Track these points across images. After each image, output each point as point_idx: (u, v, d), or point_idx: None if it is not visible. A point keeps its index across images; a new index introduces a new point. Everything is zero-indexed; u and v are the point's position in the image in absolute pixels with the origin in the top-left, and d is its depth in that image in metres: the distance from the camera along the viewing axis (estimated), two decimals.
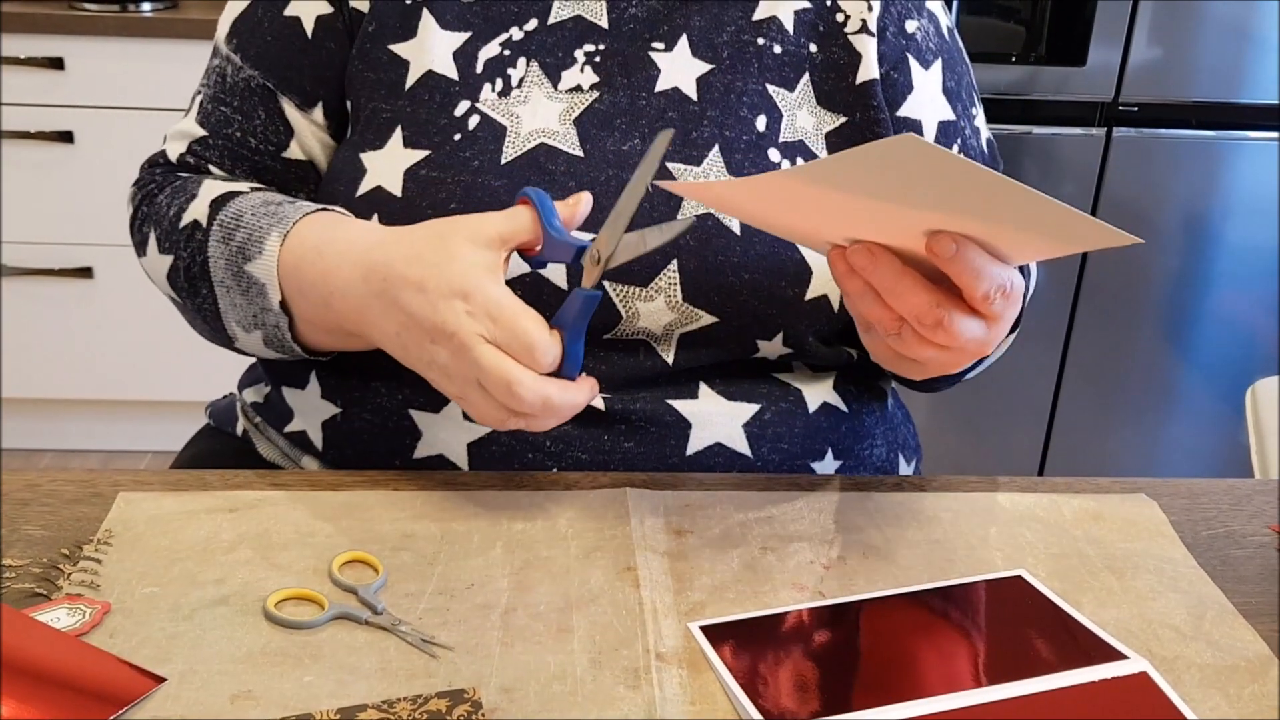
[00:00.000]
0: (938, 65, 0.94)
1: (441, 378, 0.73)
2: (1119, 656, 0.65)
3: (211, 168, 0.92)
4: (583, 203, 0.76)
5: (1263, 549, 0.78)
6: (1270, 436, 1.37)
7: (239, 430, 0.98)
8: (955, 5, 2.16)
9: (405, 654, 0.64)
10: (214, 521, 0.75)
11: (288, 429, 0.92)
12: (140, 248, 0.91)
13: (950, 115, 0.95)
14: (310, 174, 0.93)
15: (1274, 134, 2.23)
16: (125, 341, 2.40)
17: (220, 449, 0.98)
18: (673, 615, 0.68)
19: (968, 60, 1.00)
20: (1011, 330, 0.93)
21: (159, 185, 0.92)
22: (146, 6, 2.28)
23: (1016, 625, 0.68)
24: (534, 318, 0.71)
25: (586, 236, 0.74)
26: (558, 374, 0.72)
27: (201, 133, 0.92)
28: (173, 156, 0.93)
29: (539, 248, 0.74)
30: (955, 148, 0.95)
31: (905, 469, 1.00)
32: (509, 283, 0.75)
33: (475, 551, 0.73)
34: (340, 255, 0.78)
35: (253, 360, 0.99)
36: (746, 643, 0.66)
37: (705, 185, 0.71)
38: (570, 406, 0.72)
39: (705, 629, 0.67)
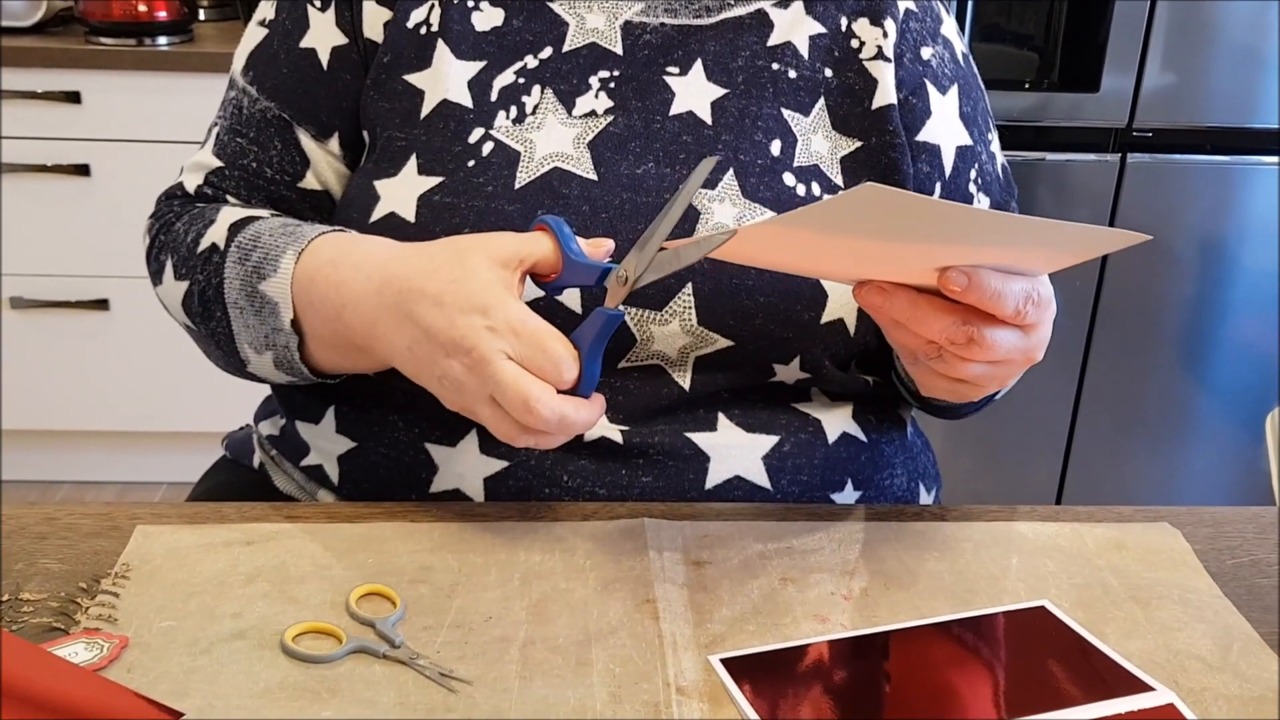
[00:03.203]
0: (954, 90, 0.94)
1: (453, 392, 0.73)
2: (1145, 688, 0.64)
3: (228, 198, 0.93)
4: (604, 247, 0.76)
5: None
6: None
7: (255, 463, 0.98)
8: (968, 32, 2.16)
9: (424, 688, 0.63)
10: (231, 555, 0.75)
11: (304, 463, 0.91)
12: (156, 276, 0.92)
13: (968, 140, 0.95)
14: (326, 203, 0.93)
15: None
16: (141, 373, 2.41)
17: (237, 481, 0.98)
18: (693, 648, 0.68)
19: (983, 86, 1.00)
20: None
21: (176, 215, 0.92)
22: (162, 40, 2.29)
23: (1041, 656, 0.67)
24: (557, 334, 0.71)
25: (606, 259, 0.74)
26: (573, 391, 0.71)
27: (218, 164, 0.93)
28: (190, 188, 0.94)
29: (556, 274, 0.74)
30: (973, 172, 0.95)
31: (926, 498, 1.00)
32: (527, 304, 0.75)
33: (493, 584, 0.73)
34: (355, 268, 0.78)
35: (269, 393, 0.99)
36: (768, 676, 0.65)
37: (707, 239, 0.69)
38: (584, 424, 0.72)
39: (726, 662, 0.66)
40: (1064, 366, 2.34)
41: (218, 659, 0.65)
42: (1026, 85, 2.18)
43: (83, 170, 2.29)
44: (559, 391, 0.71)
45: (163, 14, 2.27)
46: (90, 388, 2.45)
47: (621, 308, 0.72)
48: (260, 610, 0.69)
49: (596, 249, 0.75)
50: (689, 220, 0.84)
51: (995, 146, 0.99)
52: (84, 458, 2.55)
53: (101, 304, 2.38)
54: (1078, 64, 2.17)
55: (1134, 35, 2.13)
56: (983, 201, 0.97)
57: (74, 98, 2.25)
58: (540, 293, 0.79)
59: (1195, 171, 2.23)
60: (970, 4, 2.15)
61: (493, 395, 0.70)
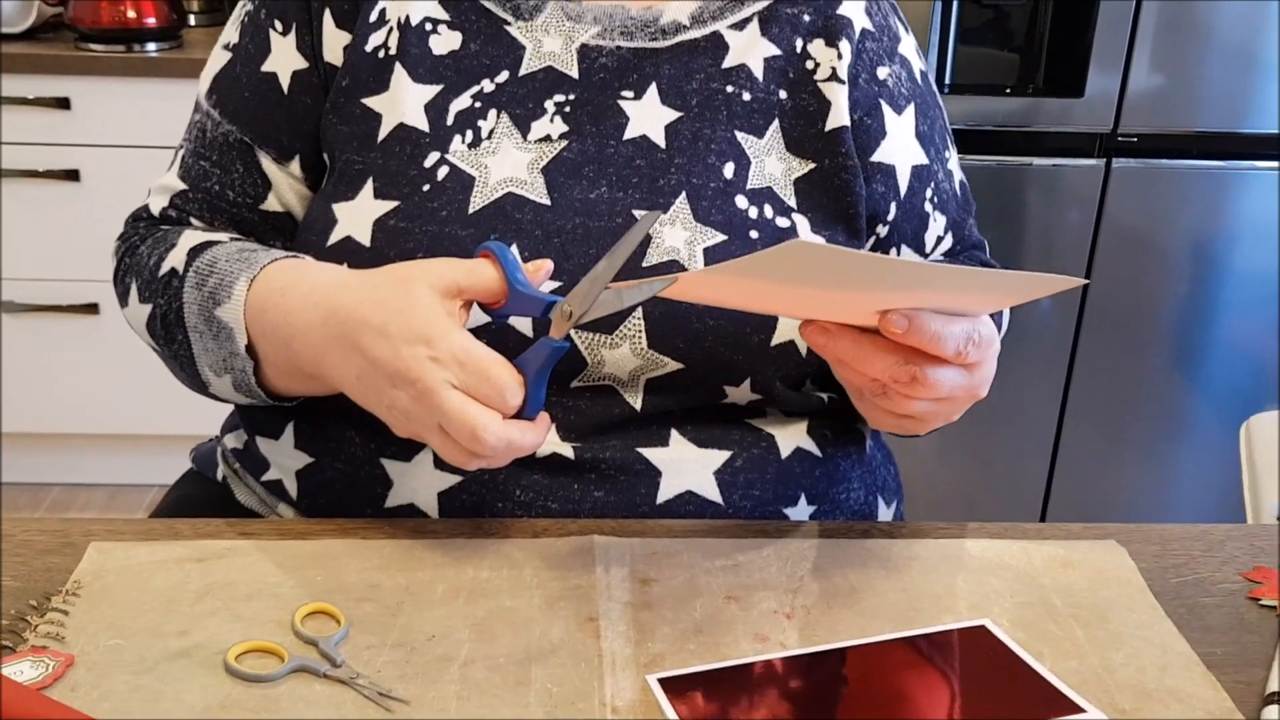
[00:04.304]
0: (910, 110, 0.95)
1: (401, 421, 0.74)
2: (1076, 709, 0.65)
3: (192, 220, 0.94)
4: (544, 269, 0.77)
5: (1231, 597, 0.78)
6: (1265, 474, 1.36)
7: (219, 476, 0.99)
8: (952, 38, 2.17)
9: (361, 708, 0.64)
10: (182, 572, 0.76)
11: (264, 478, 0.92)
12: (123, 298, 0.93)
13: (924, 159, 0.96)
14: (288, 225, 0.94)
15: (1276, 164, 2.23)
16: (132, 376, 2.42)
17: (201, 495, 0.99)
18: (632, 667, 0.68)
19: (941, 104, 1.01)
20: None
21: (141, 238, 0.94)
22: (151, 47, 2.30)
23: (976, 676, 0.68)
24: (501, 362, 0.72)
25: (551, 286, 0.75)
26: (519, 415, 0.72)
27: (182, 186, 0.94)
28: (155, 210, 0.95)
29: (502, 303, 0.75)
30: (929, 191, 0.96)
31: (885, 512, 1.00)
32: (478, 329, 0.76)
33: (439, 602, 0.74)
34: (303, 297, 0.79)
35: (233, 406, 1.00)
36: (703, 695, 0.66)
37: (649, 284, 0.70)
38: (530, 446, 0.73)
39: (663, 681, 0.67)
40: (1051, 373, 2.34)
41: (161, 678, 0.66)
42: (1007, 90, 2.18)
43: (73, 175, 2.30)
44: (507, 416, 0.72)
45: (151, 20, 2.28)
46: (81, 391, 2.46)
47: (567, 338, 0.73)
48: (207, 628, 0.70)
49: (536, 271, 0.76)
50: (641, 244, 0.84)
51: (953, 164, 1.00)
52: (75, 460, 2.57)
53: (91, 308, 2.39)
54: (1062, 69, 2.18)
55: (1118, 40, 2.13)
56: (939, 220, 0.98)
57: (64, 104, 2.26)
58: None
59: (1181, 176, 2.23)
60: (955, 10, 2.16)
61: (440, 424, 0.72)
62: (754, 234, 0.87)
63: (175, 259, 0.88)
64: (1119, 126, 2.19)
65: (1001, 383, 2.48)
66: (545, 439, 0.74)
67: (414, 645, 0.69)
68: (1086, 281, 0.70)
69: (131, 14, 2.25)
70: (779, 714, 0.64)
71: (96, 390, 2.46)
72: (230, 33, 0.95)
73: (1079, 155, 2.22)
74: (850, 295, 0.67)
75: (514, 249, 0.83)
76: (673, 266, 0.84)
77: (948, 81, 2.20)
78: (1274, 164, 2.23)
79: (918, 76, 0.97)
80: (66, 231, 2.35)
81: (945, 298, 0.68)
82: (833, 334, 0.72)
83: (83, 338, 2.42)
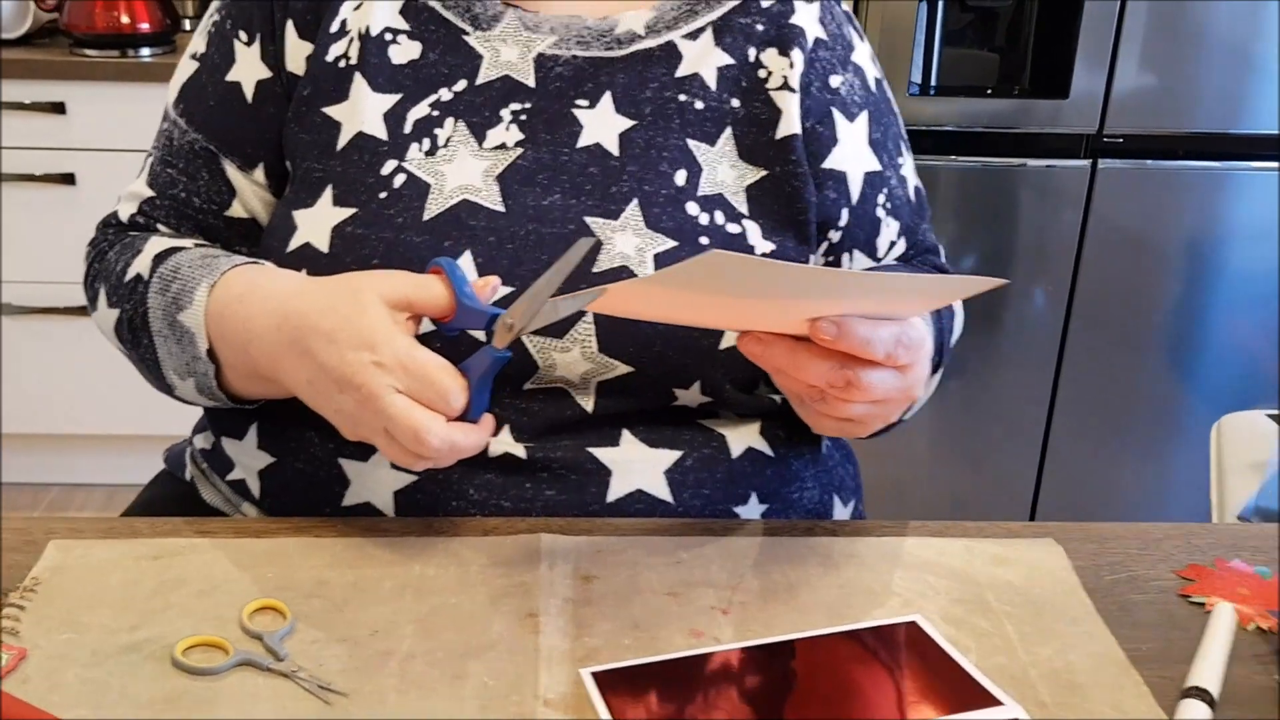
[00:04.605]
0: (863, 118, 0.97)
1: (349, 424, 0.76)
2: (994, 703, 0.67)
3: (160, 226, 0.96)
4: (491, 285, 0.79)
5: (1163, 594, 0.80)
6: (1232, 474, 1.38)
7: (188, 476, 1.01)
8: (938, 40, 2.18)
9: (300, 700, 0.67)
10: (138, 569, 0.78)
11: (229, 477, 0.95)
12: (92, 303, 0.95)
13: (876, 166, 0.97)
14: (254, 231, 0.96)
15: (1269, 164, 2.23)
16: (129, 377, 2.43)
17: (170, 494, 1.02)
18: (567, 662, 0.71)
19: (896, 111, 1.03)
20: (934, 370, 0.95)
21: (110, 244, 0.96)
22: (145, 52, 2.33)
23: (901, 671, 0.70)
24: (445, 367, 0.74)
25: (505, 291, 0.77)
26: (463, 417, 0.75)
27: (150, 193, 0.96)
28: (124, 217, 0.97)
29: (450, 318, 0.77)
30: (881, 197, 0.98)
31: (841, 511, 1.02)
32: (429, 334, 0.78)
33: (385, 598, 0.76)
34: (260, 303, 0.81)
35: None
36: (634, 689, 0.68)
37: (581, 295, 0.73)
38: (473, 448, 0.76)
39: (596, 675, 0.69)
40: (1040, 373, 2.36)
41: (109, 671, 0.68)
42: (988, 91, 2.20)
43: (68, 179, 2.33)
44: (450, 418, 0.74)
45: (145, 25, 2.31)
46: (79, 392, 2.49)
47: (510, 348, 0.75)
48: (157, 624, 0.72)
49: (484, 287, 0.78)
50: (593, 249, 0.86)
51: (907, 170, 1.02)
52: (73, 461, 2.60)
53: (87, 310, 2.42)
54: (1048, 70, 2.19)
55: (1103, 41, 2.15)
56: (892, 225, 0.99)
57: (59, 108, 2.29)
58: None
59: (1167, 177, 2.24)
60: (940, 12, 2.17)
61: (385, 428, 0.74)
62: (704, 240, 0.89)
63: (141, 265, 0.90)
64: (1104, 127, 2.21)
65: (991, 383, 2.50)
66: (488, 440, 0.77)
67: (357, 640, 0.72)
68: (1007, 281, 0.72)
69: (126, 19, 2.28)
70: (706, 707, 0.66)
71: (94, 391, 2.48)
72: (198, 42, 0.98)
73: (1065, 156, 2.23)
74: (778, 304, 0.69)
75: (467, 256, 0.85)
76: (623, 273, 0.86)
77: (933, 84, 2.22)
78: (1266, 164, 2.24)
79: (871, 84, 0.99)
80: (63, 234, 2.38)
81: (871, 303, 0.70)
82: (768, 344, 0.74)
83: (79, 339, 2.45)
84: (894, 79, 2.17)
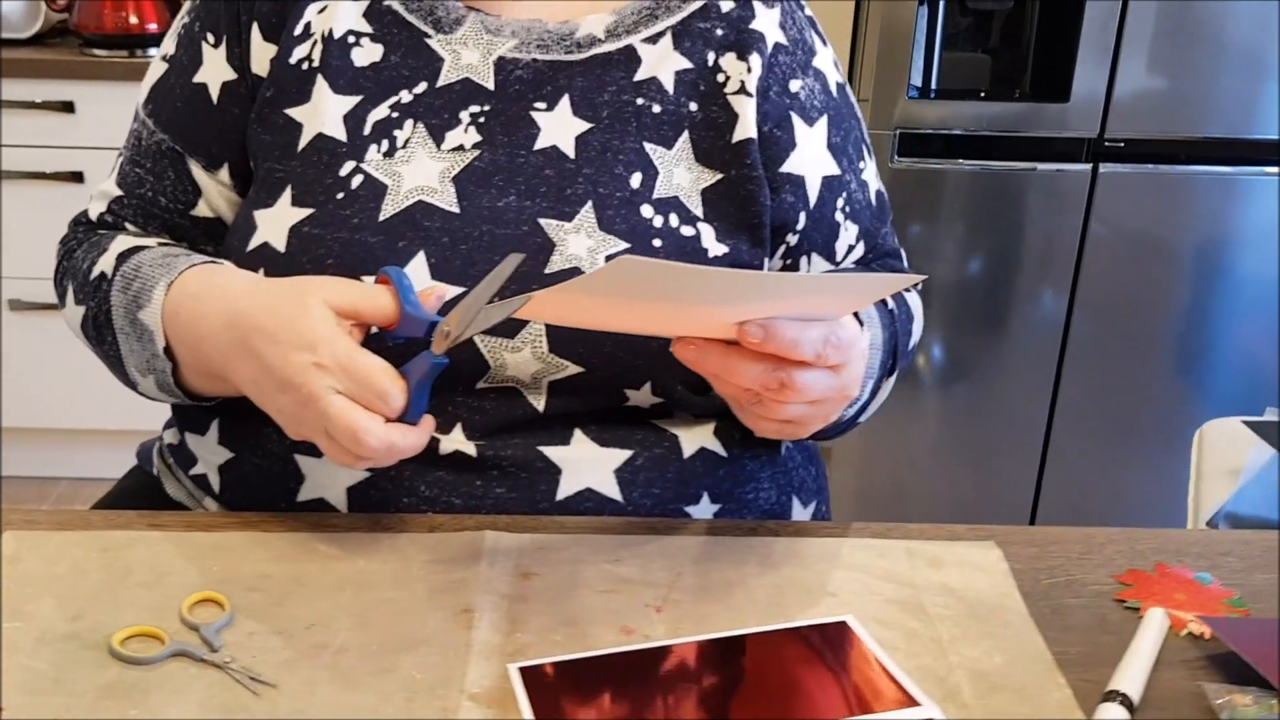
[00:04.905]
0: (823, 122, 0.98)
1: (292, 424, 0.78)
2: (912, 703, 0.68)
3: (127, 225, 0.98)
4: (436, 295, 0.80)
5: (1098, 598, 0.80)
6: (1208, 480, 1.37)
7: (155, 470, 1.03)
8: (938, 43, 2.18)
9: (230, 690, 0.68)
10: (87, 560, 0.79)
11: (192, 472, 0.96)
12: (61, 300, 0.97)
13: (835, 170, 0.98)
14: (219, 230, 0.98)
15: (1274, 169, 2.22)
16: None
17: (138, 488, 1.03)
18: (497, 656, 0.72)
19: (860, 115, 1.03)
20: (890, 373, 0.96)
21: (79, 242, 0.98)
22: (153, 51, 2.36)
23: (825, 670, 0.71)
24: (384, 369, 0.76)
25: (457, 290, 0.79)
26: (403, 419, 0.76)
27: (119, 192, 0.98)
28: (93, 215, 0.99)
29: (394, 327, 0.78)
30: (840, 201, 0.99)
31: (801, 512, 1.03)
32: (378, 341, 0.79)
33: (325, 593, 0.77)
34: (212, 302, 0.83)
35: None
36: (559, 685, 0.69)
37: (508, 303, 0.73)
38: (412, 448, 0.77)
39: (523, 670, 0.70)
40: (1040, 377, 2.35)
41: (48, 659, 0.70)
42: (982, 95, 2.19)
43: (77, 177, 2.37)
44: (390, 420, 0.76)
45: (153, 25, 2.34)
46: (86, 387, 2.52)
47: (447, 354, 0.76)
48: (99, 614, 0.74)
49: (429, 296, 0.79)
50: (545, 251, 0.88)
51: (869, 174, 1.02)
52: (79, 455, 2.63)
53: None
54: (1048, 74, 2.19)
55: (1104, 46, 2.14)
56: (850, 229, 1.00)
57: (68, 107, 2.33)
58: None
59: (1167, 181, 2.23)
60: (940, 15, 2.17)
61: (325, 428, 0.75)
62: (657, 242, 0.90)
63: (105, 263, 0.92)
64: (1106, 131, 2.20)
65: (993, 386, 2.49)
66: (427, 441, 0.78)
67: (293, 633, 0.73)
68: (925, 277, 0.73)
69: (134, 20, 2.31)
70: (626, 703, 0.67)
71: (101, 387, 2.51)
72: (168, 44, 1.00)
73: (1066, 160, 2.23)
74: (704, 309, 0.70)
75: (421, 257, 0.86)
76: (575, 274, 0.87)
77: (933, 87, 2.21)
78: (1271, 169, 2.23)
79: (833, 89, 1.00)
80: None
81: (795, 304, 0.71)
82: (701, 349, 0.75)
83: None
84: (893, 82, 2.17)
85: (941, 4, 2.16)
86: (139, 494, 1.02)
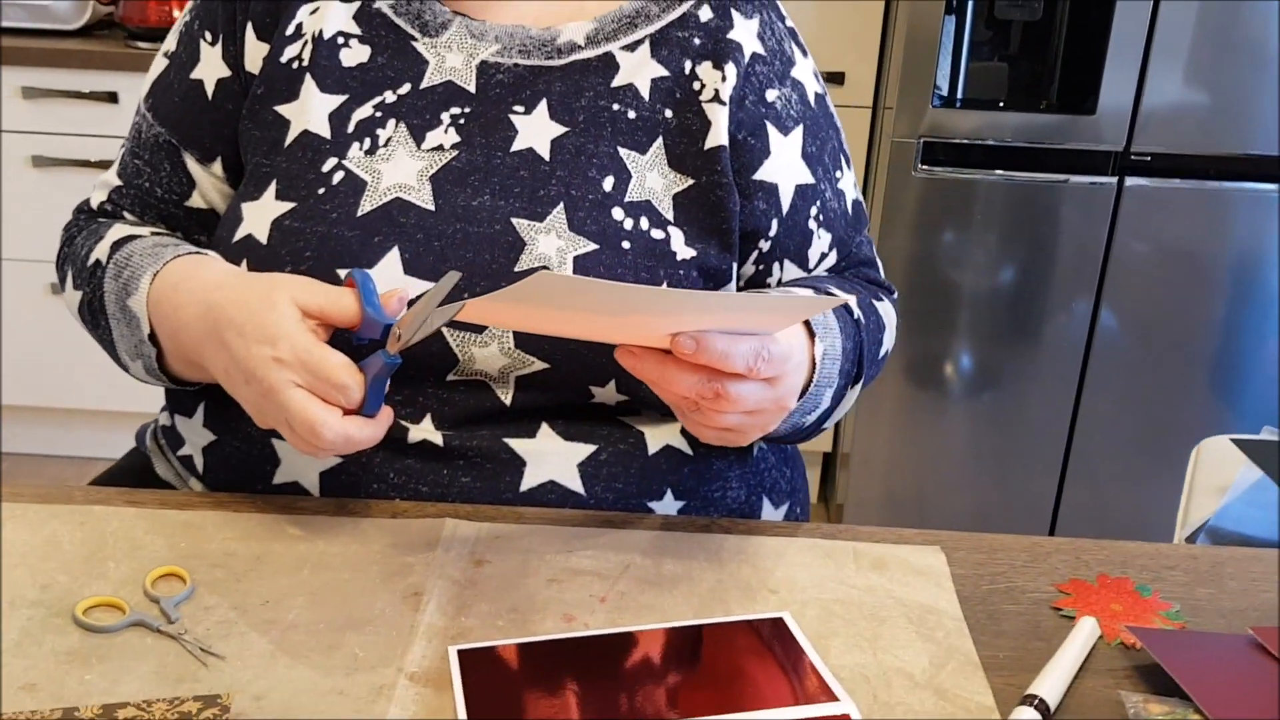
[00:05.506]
0: (798, 131, 1.00)
1: (256, 413, 0.81)
2: (831, 699, 0.70)
3: (125, 214, 1.02)
4: (397, 297, 0.83)
5: (1036, 605, 0.82)
6: (1198, 495, 1.37)
7: (148, 451, 1.07)
8: (965, 53, 2.19)
9: (182, 660, 0.72)
10: (64, 532, 0.84)
11: (180, 453, 1.00)
12: (61, 284, 1.02)
13: (809, 179, 1.00)
14: (212, 221, 1.02)
15: None
16: None
17: (133, 468, 1.08)
18: (440, 639, 0.75)
19: (839, 126, 1.05)
20: (856, 381, 0.98)
21: (80, 229, 1.03)
22: None
23: (752, 663, 0.73)
24: (342, 364, 0.79)
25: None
26: (360, 411, 0.79)
27: (118, 183, 1.03)
28: (94, 204, 1.04)
29: (357, 328, 0.82)
30: (814, 209, 1.00)
31: (772, 513, 1.05)
32: (343, 341, 0.83)
33: (283, 571, 0.81)
34: (190, 293, 0.87)
35: None
36: (495, 668, 0.72)
37: (447, 309, 0.76)
38: (368, 441, 0.80)
39: (462, 653, 0.73)
40: (1062, 389, 2.35)
41: (14, 623, 0.74)
42: (1000, 105, 2.19)
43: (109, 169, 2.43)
44: (347, 412, 0.79)
45: None
46: (113, 369, 2.59)
47: (399, 355, 0.79)
48: (66, 583, 0.78)
49: (391, 299, 0.82)
50: (515, 250, 0.90)
51: (845, 184, 1.04)
52: (122, 437, 2.71)
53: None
54: (1075, 86, 2.18)
55: (1132, 59, 2.14)
56: (823, 237, 1.02)
57: (113, 98, 2.39)
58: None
59: (1193, 196, 2.22)
60: (967, 25, 2.18)
61: (286, 420, 0.79)
62: (626, 244, 0.92)
63: (100, 251, 0.96)
64: (1132, 144, 2.20)
65: (1017, 398, 2.49)
66: (384, 433, 0.81)
67: (248, 608, 0.77)
68: (850, 298, 0.75)
69: (176, 14, 2.37)
70: (553, 689, 0.70)
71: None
72: (170, 41, 1.04)
73: (1091, 172, 2.22)
74: (636, 319, 0.73)
75: (395, 252, 0.90)
76: (541, 269, 0.90)
77: (959, 96, 2.22)
78: None
79: (811, 99, 1.02)
80: None
81: (723, 320, 0.73)
82: (639, 357, 0.77)
83: None
84: (919, 91, 2.18)
85: (969, 13, 2.17)
86: (131, 474, 1.06)
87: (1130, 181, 2.22)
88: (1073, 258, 2.27)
